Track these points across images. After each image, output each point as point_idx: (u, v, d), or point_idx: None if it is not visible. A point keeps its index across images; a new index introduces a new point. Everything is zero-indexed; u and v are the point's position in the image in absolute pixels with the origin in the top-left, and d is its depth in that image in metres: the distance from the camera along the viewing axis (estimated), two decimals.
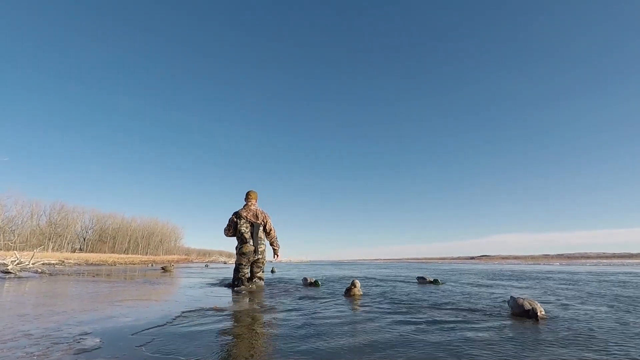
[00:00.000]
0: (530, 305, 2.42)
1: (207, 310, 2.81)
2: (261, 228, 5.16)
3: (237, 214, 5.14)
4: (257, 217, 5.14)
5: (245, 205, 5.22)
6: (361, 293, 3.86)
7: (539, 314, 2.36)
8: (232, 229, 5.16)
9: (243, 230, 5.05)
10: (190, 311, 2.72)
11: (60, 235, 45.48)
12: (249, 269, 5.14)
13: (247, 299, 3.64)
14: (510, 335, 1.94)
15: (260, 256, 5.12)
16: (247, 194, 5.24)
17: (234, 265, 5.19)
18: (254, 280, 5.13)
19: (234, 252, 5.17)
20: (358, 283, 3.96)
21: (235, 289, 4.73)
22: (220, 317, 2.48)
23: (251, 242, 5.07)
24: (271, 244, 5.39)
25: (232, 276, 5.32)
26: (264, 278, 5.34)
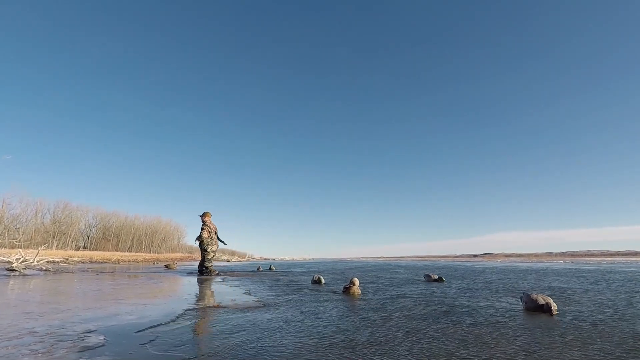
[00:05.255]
0: (544, 300, 2.40)
1: (210, 308, 2.79)
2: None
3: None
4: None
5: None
6: (360, 292, 3.80)
7: (553, 308, 2.35)
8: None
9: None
10: (193, 309, 2.70)
11: (64, 234, 45.83)
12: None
13: (248, 296, 3.62)
14: (531, 328, 1.92)
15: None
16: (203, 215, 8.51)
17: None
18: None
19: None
20: (357, 281, 3.90)
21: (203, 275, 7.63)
22: (222, 315, 2.46)
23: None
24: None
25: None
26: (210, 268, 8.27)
